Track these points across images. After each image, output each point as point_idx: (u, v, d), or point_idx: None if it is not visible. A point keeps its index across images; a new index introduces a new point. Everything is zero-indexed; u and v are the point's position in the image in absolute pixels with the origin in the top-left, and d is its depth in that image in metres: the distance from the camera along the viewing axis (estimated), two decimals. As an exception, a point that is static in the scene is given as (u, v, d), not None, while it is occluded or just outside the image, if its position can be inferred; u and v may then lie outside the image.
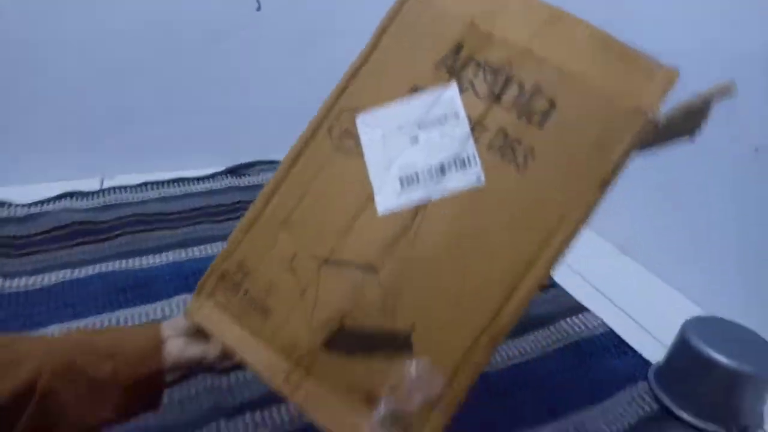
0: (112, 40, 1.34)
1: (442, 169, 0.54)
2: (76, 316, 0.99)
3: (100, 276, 1.09)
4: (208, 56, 1.43)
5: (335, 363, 0.53)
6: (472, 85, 0.55)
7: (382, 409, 0.51)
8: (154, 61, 1.39)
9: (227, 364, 0.64)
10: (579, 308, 1.10)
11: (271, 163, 1.58)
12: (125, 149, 1.45)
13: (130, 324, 0.98)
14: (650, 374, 0.95)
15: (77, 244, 1.18)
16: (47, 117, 1.36)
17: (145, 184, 1.43)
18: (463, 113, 0.54)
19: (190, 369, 0.64)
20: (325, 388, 0.52)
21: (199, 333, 0.62)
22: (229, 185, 1.48)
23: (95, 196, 1.37)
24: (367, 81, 0.59)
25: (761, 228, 1.01)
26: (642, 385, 0.93)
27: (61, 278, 1.08)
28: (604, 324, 1.06)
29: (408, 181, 0.55)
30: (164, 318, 1.00)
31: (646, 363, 0.98)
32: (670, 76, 0.50)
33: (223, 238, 1.23)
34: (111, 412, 0.58)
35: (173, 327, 0.63)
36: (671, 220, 1.19)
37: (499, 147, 0.53)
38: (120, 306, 1.02)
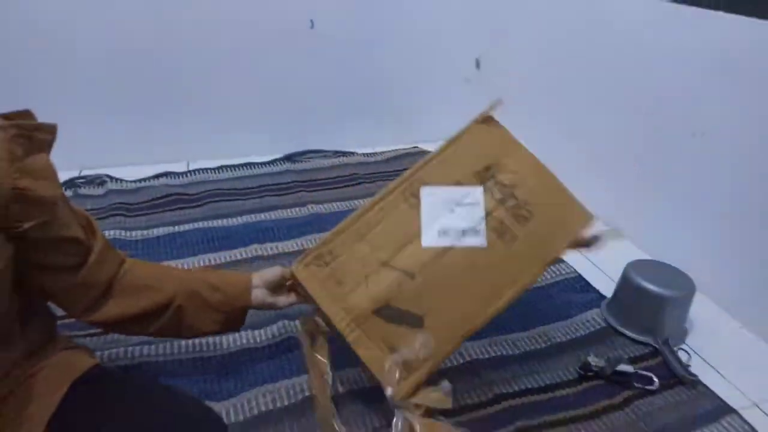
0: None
1: (463, 232, 0.92)
2: (178, 257, 1.36)
3: (195, 230, 1.47)
4: (265, 62, 1.81)
5: (377, 324, 0.87)
6: (491, 192, 0.95)
7: (397, 356, 0.86)
8: (233, 60, 1.78)
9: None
10: (558, 260, 1.41)
11: (318, 152, 1.94)
12: (205, 139, 1.84)
13: (217, 264, 1.34)
14: (602, 304, 1.25)
15: (176, 209, 1.57)
16: (148, 111, 1.76)
17: (222, 167, 1.81)
18: (482, 205, 0.94)
19: (263, 309, 0.98)
20: (368, 336, 0.87)
21: (275, 288, 0.96)
22: (286, 169, 1.84)
23: (184, 175, 1.76)
24: (435, 168, 0.96)
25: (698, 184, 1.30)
26: (596, 311, 1.24)
27: (166, 232, 1.46)
28: (574, 270, 1.37)
29: (443, 233, 0.92)
30: (241, 260, 1.36)
31: (602, 297, 1.28)
32: (588, 218, 0.95)
33: (281, 207, 1.60)
34: (212, 326, 0.93)
35: (259, 278, 0.96)
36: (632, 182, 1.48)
37: (497, 230, 0.92)
38: (209, 251, 1.39)
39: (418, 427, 0.79)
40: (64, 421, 0.73)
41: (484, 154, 0.97)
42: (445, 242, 0.90)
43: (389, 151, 1.99)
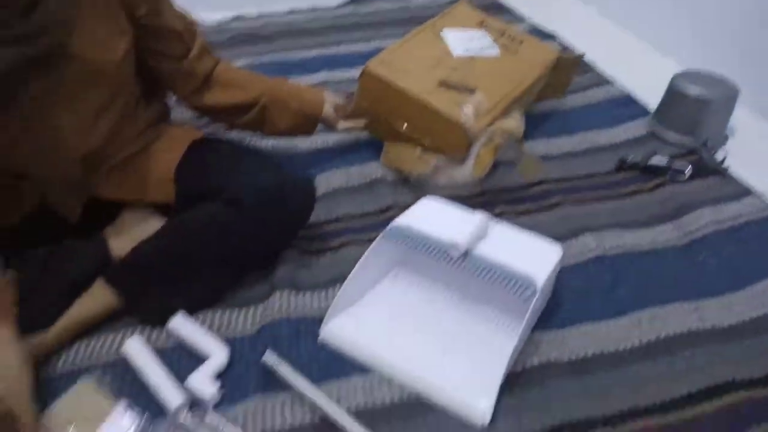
0: None
1: (482, 48, 1.25)
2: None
3: (270, 62, 1.62)
4: None
5: (442, 92, 1.13)
6: (489, 31, 1.32)
7: (466, 105, 1.09)
8: None
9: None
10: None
11: (382, -2, 2.01)
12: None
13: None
14: (648, 116, 1.34)
15: (252, 45, 1.72)
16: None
17: (291, 11, 1.93)
18: (489, 37, 1.30)
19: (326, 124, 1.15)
20: (437, 99, 1.11)
21: (339, 110, 1.13)
22: (352, 11, 1.93)
23: (255, 19, 1.89)
24: (450, 20, 1.33)
25: None
26: (640, 121, 1.33)
27: (244, 63, 1.62)
28: (621, 90, 1.45)
29: (467, 50, 1.24)
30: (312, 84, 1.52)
31: (648, 113, 1.36)
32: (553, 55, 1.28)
33: (347, 42, 1.72)
34: (288, 127, 1.10)
35: (329, 96, 1.13)
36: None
37: (504, 46, 1.27)
38: (285, 74, 1.55)
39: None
40: (188, 169, 0.93)
41: (475, 15, 1.37)
42: (471, 53, 1.25)
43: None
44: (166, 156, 0.94)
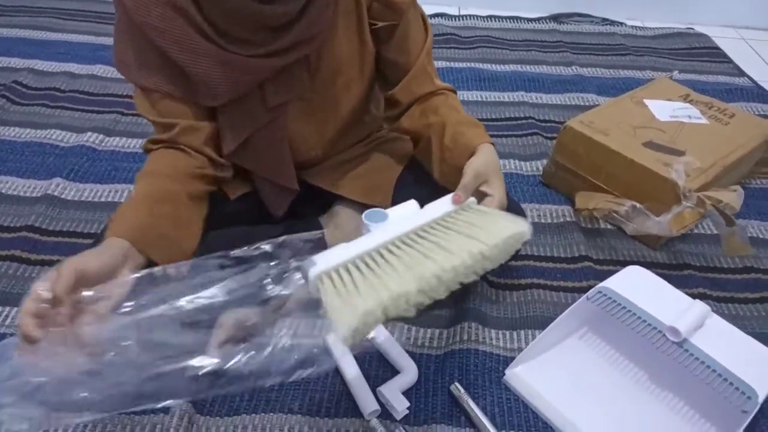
0: None
1: (689, 116, 1.23)
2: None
3: (467, 69, 1.63)
4: None
5: (647, 152, 1.11)
6: (694, 105, 1.29)
7: (677, 164, 1.07)
8: None
9: None
10: None
11: (585, 16, 1.93)
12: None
13: (486, 101, 1.50)
14: None
15: (450, 47, 1.74)
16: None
17: (491, 16, 1.91)
18: (695, 108, 1.27)
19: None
20: (642, 158, 1.09)
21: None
22: (552, 28, 1.88)
23: (456, 19, 1.90)
24: (651, 92, 1.33)
25: None
26: None
27: (443, 65, 1.64)
28: None
29: (674, 116, 1.23)
30: (507, 102, 1.50)
31: None
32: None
33: (547, 63, 1.68)
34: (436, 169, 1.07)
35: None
36: None
37: (713, 117, 1.24)
38: (479, 89, 1.55)
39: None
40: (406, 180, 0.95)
41: (678, 89, 1.35)
42: (677, 120, 1.22)
43: (659, 28, 1.91)
44: (388, 162, 0.96)
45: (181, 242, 0.71)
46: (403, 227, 0.62)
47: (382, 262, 0.58)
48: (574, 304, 0.86)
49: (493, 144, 0.79)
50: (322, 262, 0.57)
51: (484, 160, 0.75)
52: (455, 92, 0.91)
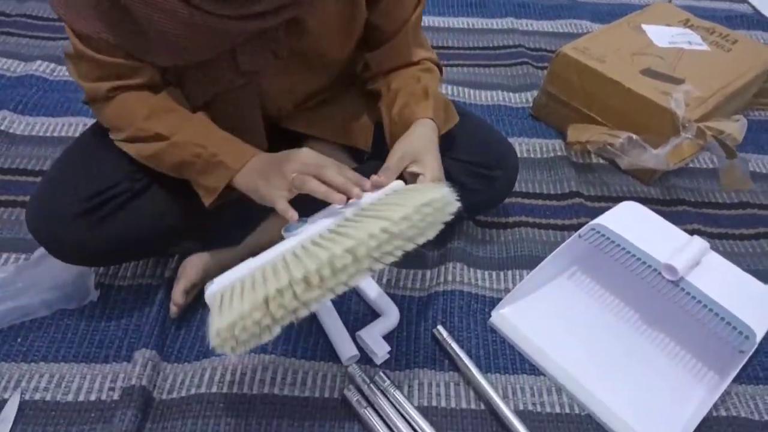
0: None
1: (689, 42, 1.15)
2: (436, 14, 1.44)
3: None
4: None
5: (645, 80, 1.03)
6: (694, 30, 1.21)
7: (676, 93, 0.99)
8: None
9: None
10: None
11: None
12: None
13: (473, 28, 1.40)
14: None
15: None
16: None
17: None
18: (695, 34, 1.19)
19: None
20: (639, 87, 1.02)
21: None
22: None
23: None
24: (648, 17, 1.23)
25: None
26: None
27: None
28: None
29: (673, 43, 1.14)
30: (496, 29, 1.40)
31: None
32: None
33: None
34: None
35: None
36: None
37: (715, 43, 1.17)
38: (466, 15, 1.45)
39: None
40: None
41: (678, 13, 1.26)
42: (678, 46, 1.14)
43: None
44: (368, 104, 0.83)
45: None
46: (316, 228, 0.57)
47: (281, 267, 0.53)
48: (565, 243, 0.82)
49: (433, 120, 0.71)
50: (219, 281, 0.56)
51: (411, 139, 0.69)
52: (439, 66, 0.80)
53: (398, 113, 0.73)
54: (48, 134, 1.03)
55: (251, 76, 0.69)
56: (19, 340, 0.74)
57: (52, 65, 1.18)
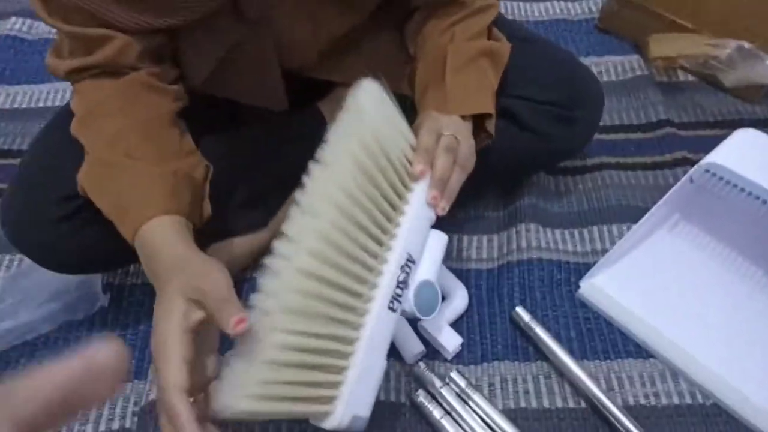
0: None
1: None
2: None
3: None
4: None
5: None
6: None
7: None
8: None
9: None
10: None
11: None
12: None
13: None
14: None
15: None
16: None
17: None
18: None
19: None
20: None
21: None
22: None
23: None
24: None
25: None
26: None
27: None
28: None
29: None
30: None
31: None
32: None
33: None
34: None
35: None
36: None
37: None
38: None
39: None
40: None
41: None
42: None
43: None
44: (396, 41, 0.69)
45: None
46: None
47: None
48: (672, 189, 0.65)
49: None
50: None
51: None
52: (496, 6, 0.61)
53: (419, 100, 0.60)
54: (32, 105, 0.89)
55: (260, 26, 0.54)
56: (22, 360, 0.63)
57: (29, 21, 1.01)
